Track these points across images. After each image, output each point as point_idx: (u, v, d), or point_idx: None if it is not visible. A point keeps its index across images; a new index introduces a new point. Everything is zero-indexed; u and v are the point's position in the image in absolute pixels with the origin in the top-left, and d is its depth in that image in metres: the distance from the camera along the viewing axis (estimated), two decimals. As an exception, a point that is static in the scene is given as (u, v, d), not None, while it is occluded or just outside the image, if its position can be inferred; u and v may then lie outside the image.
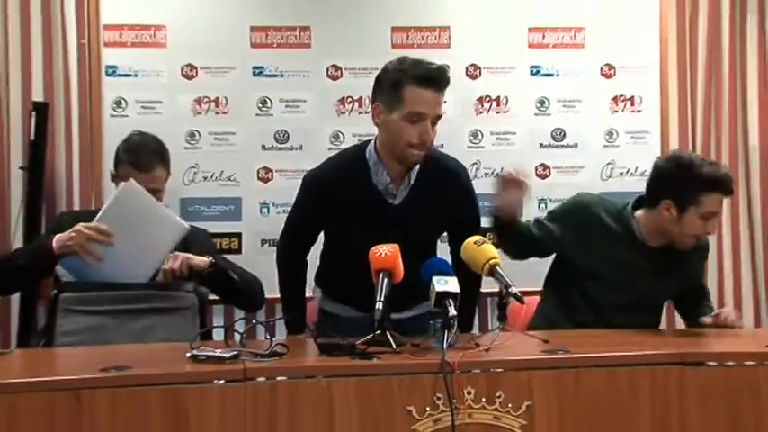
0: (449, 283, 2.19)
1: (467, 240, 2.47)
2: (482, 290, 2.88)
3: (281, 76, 3.93)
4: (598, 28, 4.11)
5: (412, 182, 2.75)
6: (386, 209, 2.74)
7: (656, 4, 4.13)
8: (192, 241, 2.87)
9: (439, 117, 2.61)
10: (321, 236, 2.92)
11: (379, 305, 2.18)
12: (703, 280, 3.24)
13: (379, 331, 2.20)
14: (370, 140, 2.78)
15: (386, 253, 2.29)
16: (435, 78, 2.59)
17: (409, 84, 2.57)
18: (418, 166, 2.72)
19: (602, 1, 4.10)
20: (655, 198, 2.80)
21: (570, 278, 2.93)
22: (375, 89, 2.67)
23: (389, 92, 2.61)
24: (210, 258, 2.84)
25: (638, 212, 2.87)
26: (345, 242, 2.83)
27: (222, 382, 1.98)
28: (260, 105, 3.93)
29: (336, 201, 2.76)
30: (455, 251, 2.75)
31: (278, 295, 2.92)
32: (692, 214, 2.72)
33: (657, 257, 2.87)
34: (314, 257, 2.95)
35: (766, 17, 4.33)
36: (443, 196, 2.79)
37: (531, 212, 4.01)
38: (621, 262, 2.85)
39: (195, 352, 2.10)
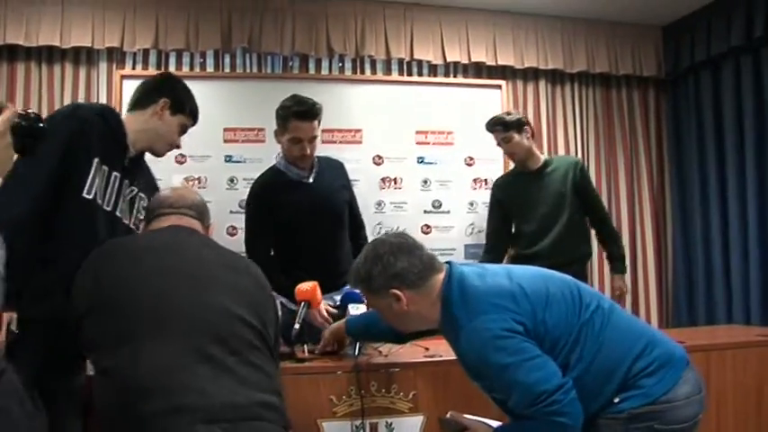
0: (359, 309, 2.19)
1: None
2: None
3: (245, 161, 3.88)
4: (462, 132, 4.18)
5: (315, 169, 2.74)
6: (305, 187, 2.69)
7: (500, 117, 4.22)
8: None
9: (314, 137, 2.65)
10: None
11: (297, 326, 2.09)
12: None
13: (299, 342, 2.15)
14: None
15: (306, 288, 2.18)
16: (308, 113, 2.62)
17: (291, 118, 2.62)
18: (316, 160, 2.75)
19: (465, 114, 4.18)
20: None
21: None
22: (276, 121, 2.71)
23: (280, 123, 2.69)
24: None
25: None
26: (288, 232, 2.67)
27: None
28: (229, 182, 3.88)
29: (272, 199, 2.68)
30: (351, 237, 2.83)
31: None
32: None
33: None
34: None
35: (569, 126, 4.51)
36: (337, 176, 2.84)
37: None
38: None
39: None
